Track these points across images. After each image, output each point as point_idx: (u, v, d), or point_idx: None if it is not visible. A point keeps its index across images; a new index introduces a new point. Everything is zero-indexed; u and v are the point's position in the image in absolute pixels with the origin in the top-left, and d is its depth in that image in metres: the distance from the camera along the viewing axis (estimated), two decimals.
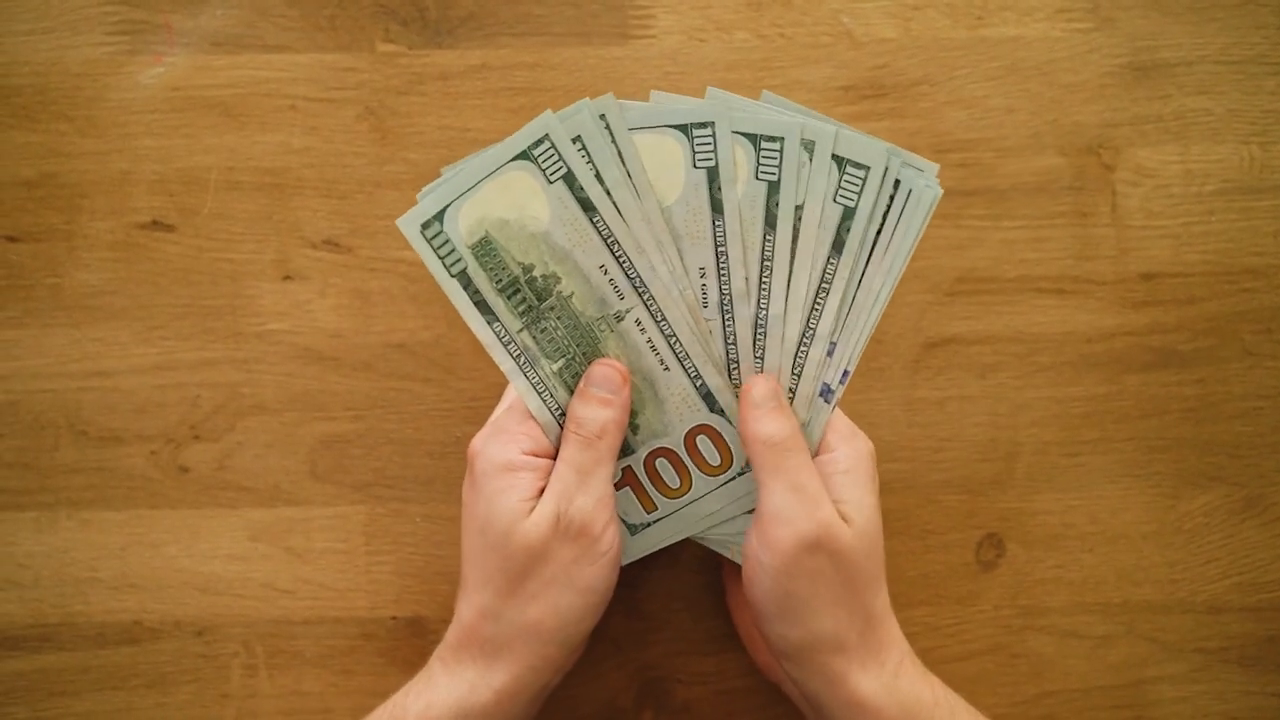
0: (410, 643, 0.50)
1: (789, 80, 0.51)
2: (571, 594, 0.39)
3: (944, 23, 0.51)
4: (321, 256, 0.51)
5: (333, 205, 0.51)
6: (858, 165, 0.40)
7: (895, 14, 0.51)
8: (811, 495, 0.39)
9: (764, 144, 0.40)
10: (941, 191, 0.40)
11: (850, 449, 0.41)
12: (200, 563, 0.50)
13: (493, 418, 0.43)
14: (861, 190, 0.40)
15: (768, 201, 0.41)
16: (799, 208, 0.41)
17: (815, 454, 0.41)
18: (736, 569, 0.45)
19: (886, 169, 0.40)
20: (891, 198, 0.40)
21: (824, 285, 0.41)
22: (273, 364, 0.50)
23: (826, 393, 0.42)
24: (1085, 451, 0.50)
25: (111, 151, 0.51)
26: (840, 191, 0.40)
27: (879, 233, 0.41)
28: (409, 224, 0.40)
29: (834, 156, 0.40)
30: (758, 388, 0.41)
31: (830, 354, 0.41)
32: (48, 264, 0.50)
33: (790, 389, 0.42)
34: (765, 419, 0.40)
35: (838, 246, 0.41)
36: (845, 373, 0.42)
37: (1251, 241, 0.51)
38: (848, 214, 0.40)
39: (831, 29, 0.51)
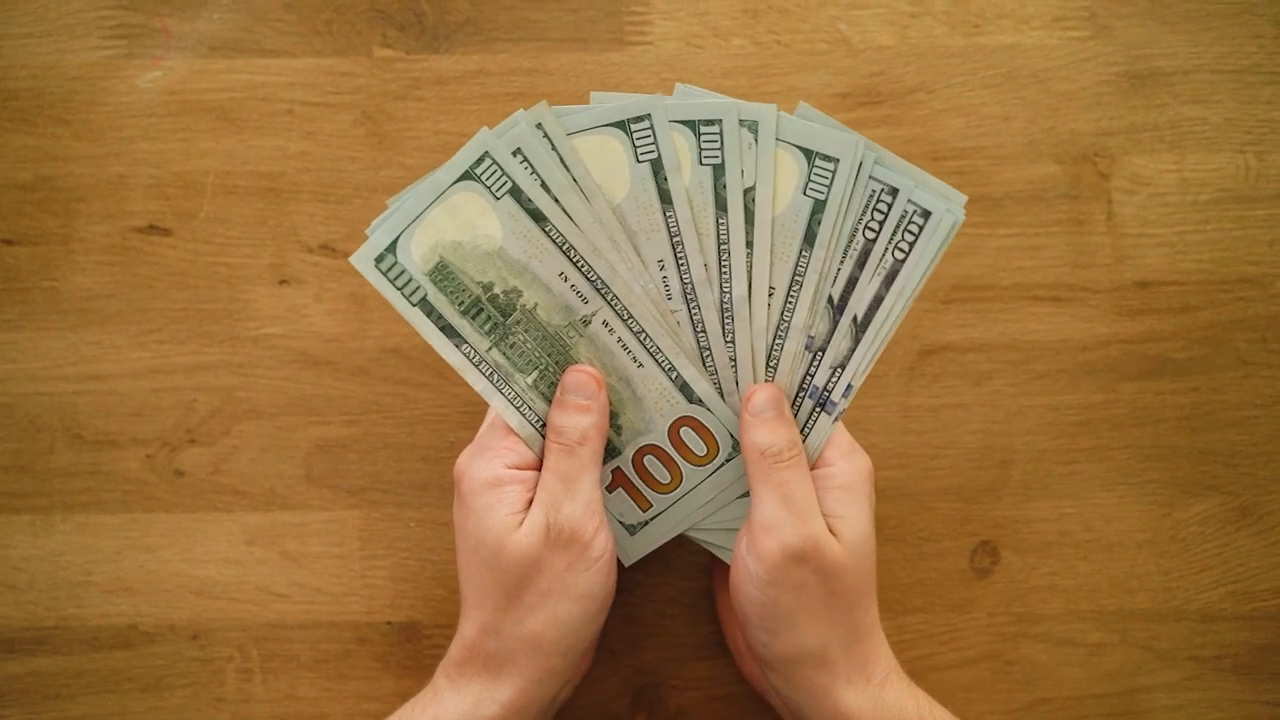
0: (405, 647, 0.50)
1: (785, 87, 0.51)
2: (569, 602, 0.39)
3: (941, 30, 0.51)
4: (318, 261, 0.51)
5: (329, 210, 0.51)
6: (827, 158, 0.40)
7: (892, 21, 0.51)
8: (801, 507, 0.39)
9: (703, 128, 0.40)
10: (964, 217, 0.39)
11: (849, 465, 0.41)
12: (195, 566, 0.50)
13: (477, 436, 0.43)
14: (831, 183, 0.40)
15: (715, 185, 0.41)
16: (750, 190, 0.41)
17: (813, 467, 0.41)
18: (726, 575, 0.45)
19: (861, 163, 0.40)
20: (886, 208, 0.40)
21: (796, 278, 0.41)
22: (268, 368, 0.50)
23: (830, 406, 0.42)
24: (1080, 459, 0.50)
25: (108, 155, 0.51)
26: (810, 184, 0.40)
27: (874, 248, 0.40)
28: (362, 260, 0.40)
29: (804, 150, 0.40)
30: (758, 396, 0.41)
31: (808, 347, 0.41)
32: (44, 267, 0.50)
33: (766, 380, 0.42)
34: (761, 427, 0.40)
35: (809, 239, 0.41)
36: (849, 387, 0.41)
37: (1247, 250, 0.51)
38: (818, 207, 0.40)
39: (829, 36, 0.51)
